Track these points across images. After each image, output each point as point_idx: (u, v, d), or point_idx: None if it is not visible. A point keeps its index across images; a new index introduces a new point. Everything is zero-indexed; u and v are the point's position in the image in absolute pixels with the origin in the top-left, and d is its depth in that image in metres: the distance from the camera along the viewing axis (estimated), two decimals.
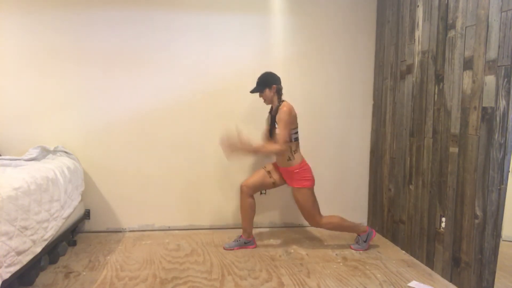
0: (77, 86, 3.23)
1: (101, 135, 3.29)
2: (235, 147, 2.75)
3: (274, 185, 3.01)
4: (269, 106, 3.00)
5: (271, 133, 2.94)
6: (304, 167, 2.87)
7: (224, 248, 2.99)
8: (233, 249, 2.98)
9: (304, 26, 3.43)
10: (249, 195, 2.97)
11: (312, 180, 2.91)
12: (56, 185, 2.56)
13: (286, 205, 3.58)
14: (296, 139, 2.88)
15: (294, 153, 2.85)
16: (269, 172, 2.99)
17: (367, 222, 3.67)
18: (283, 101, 2.86)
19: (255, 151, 2.82)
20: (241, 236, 3.04)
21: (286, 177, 2.95)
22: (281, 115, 2.76)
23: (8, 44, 3.15)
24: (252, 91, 2.90)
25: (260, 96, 2.92)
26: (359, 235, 3.04)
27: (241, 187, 2.98)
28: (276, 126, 2.83)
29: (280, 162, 2.92)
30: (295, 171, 2.85)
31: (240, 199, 3.01)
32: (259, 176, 2.99)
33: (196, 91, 3.37)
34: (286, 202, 3.57)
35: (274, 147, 2.75)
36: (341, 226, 2.98)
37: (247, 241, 3.03)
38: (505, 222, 2.14)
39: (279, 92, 2.89)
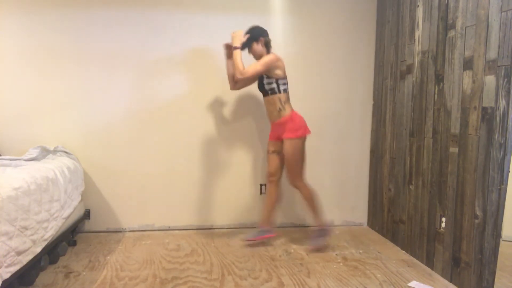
0: (77, 86, 3.24)
1: (101, 135, 3.29)
2: (236, 40, 2.81)
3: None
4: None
5: (260, 86, 2.96)
6: (294, 118, 2.87)
7: (247, 240, 3.07)
8: (255, 239, 3.05)
9: (304, 26, 3.43)
10: (275, 183, 3.04)
11: (304, 130, 2.88)
12: (56, 185, 2.56)
13: (286, 205, 3.58)
14: (286, 91, 2.89)
15: (285, 104, 2.88)
16: (273, 151, 3.03)
17: (367, 222, 3.67)
18: (272, 53, 2.87)
19: (236, 51, 2.78)
20: (261, 225, 3.10)
21: (280, 133, 2.94)
22: (264, 58, 2.79)
23: (8, 44, 3.15)
24: (242, 48, 2.85)
25: (249, 52, 2.93)
26: (317, 229, 3.05)
27: (267, 178, 3.08)
28: (265, 77, 2.86)
29: (273, 116, 2.94)
30: (286, 121, 2.86)
31: (267, 189, 3.10)
32: (271, 161, 3.04)
33: (196, 90, 3.37)
34: (286, 202, 3.57)
35: (241, 66, 2.74)
36: (312, 201, 2.96)
37: (265, 230, 3.08)
38: (505, 222, 2.14)
39: (267, 44, 2.90)
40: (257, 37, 2.87)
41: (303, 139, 2.89)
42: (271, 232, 3.09)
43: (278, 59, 2.82)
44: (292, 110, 2.91)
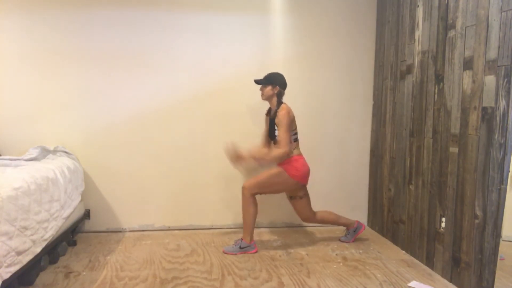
0: (77, 86, 3.24)
1: (101, 135, 3.29)
2: (239, 158, 2.89)
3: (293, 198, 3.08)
4: (267, 106, 3.02)
5: (270, 134, 2.97)
6: (300, 159, 2.88)
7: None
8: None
9: (304, 26, 3.43)
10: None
11: (302, 177, 2.86)
12: (56, 185, 2.56)
13: (286, 205, 3.57)
14: (296, 140, 2.92)
15: (293, 150, 2.90)
16: (291, 197, 3.07)
17: (367, 222, 3.67)
18: (282, 103, 2.89)
19: (259, 159, 2.84)
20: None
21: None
22: (280, 118, 2.80)
23: (8, 44, 3.15)
24: (256, 81, 2.93)
25: (261, 89, 2.95)
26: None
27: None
28: (276, 128, 2.87)
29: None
30: (291, 160, 2.86)
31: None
32: (295, 206, 3.09)
33: (196, 91, 3.37)
34: (286, 202, 3.56)
35: (278, 151, 2.79)
36: (251, 219, 2.86)
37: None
38: (505, 222, 2.14)
39: (280, 95, 2.91)
40: (275, 83, 2.89)
41: (291, 180, 2.84)
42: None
43: (289, 113, 2.81)
44: (299, 154, 2.92)
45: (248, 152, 2.89)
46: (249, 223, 2.89)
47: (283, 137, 2.78)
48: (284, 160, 2.88)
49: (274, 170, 2.87)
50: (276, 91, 2.89)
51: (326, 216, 3.09)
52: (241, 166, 2.86)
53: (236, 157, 2.91)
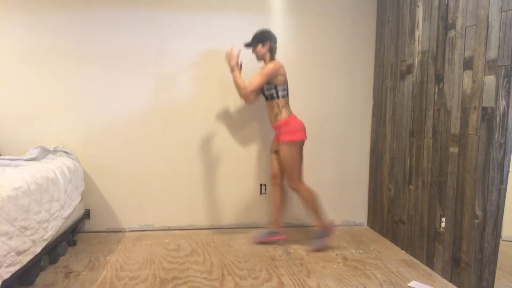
0: (77, 86, 3.24)
1: (101, 135, 3.29)
2: (230, 59, 2.88)
3: None
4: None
5: (262, 91, 2.98)
6: (290, 121, 2.88)
7: (255, 240, 3.10)
8: (263, 239, 3.08)
9: (304, 26, 3.43)
10: (278, 185, 3.06)
11: (299, 134, 2.88)
12: (56, 185, 2.56)
13: (286, 205, 3.57)
14: (284, 96, 2.91)
15: (282, 108, 2.89)
16: (275, 151, 3.04)
17: (367, 222, 3.67)
18: (275, 59, 2.89)
19: (234, 72, 2.85)
20: (270, 227, 3.13)
21: (277, 135, 2.97)
22: (265, 68, 2.83)
23: (8, 44, 3.15)
24: (246, 44, 2.94)
25: (253, 51, 2.96)
26: (315, 230, 3.05)
27: (270, 180, 3.14)
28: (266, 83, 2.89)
29: (271, 120, 2.99)
30: (282, 125, 2.88)
31: (271, 192, 3.14)
32: (273, 161, 3.07)
33: (197, 91, 3.37)
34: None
35: (241, 84, 2.81)
36: (310, 203, 2.95)
37: (273, 232, 3.10)
38: (505, 222, 2.15)
39: (272, 50, 2.92)
40: (263, 40, 2.89)
41: (298, 143, 2.88)
42: (279, 234, 3.11)
43: (279, 67, 2.84)
44: (289, 114, 2.92)
45: (238, 69, 2.89)
46: (318, 208, 2.98)
47: (253, 79, 2.78)
48: (281, 128, 2.87)
49: (284, 149, 2.87)
50: (267, 47, 2.90)
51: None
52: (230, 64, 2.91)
53: (234, 64, 2.87)
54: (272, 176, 3.08)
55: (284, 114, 2.89)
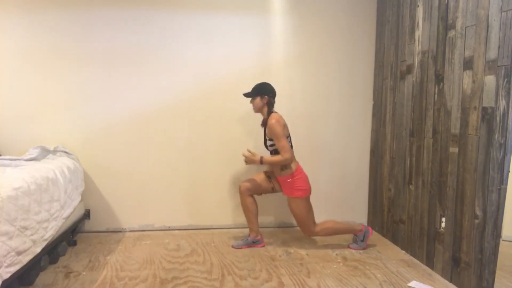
0: (77, 86, 3.24)
1: (101, 135, 3.29)
2: (251, 160, 2.86)
3: (273, 190, 3.05)
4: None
5: (264, 144, 2.99)
6: (298, 176, 2.87)
7: (232, 246, 3.02)
8: (241, 248, 3.00)
9: (304, 26, 3.43)
10: (248, 194, 2.99)
11: (306, 190, 2.89)
12: (56, 185, 2.56)
13: (286, 205, 3.57)
14: (290, 147, 2.89)
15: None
16: (269, 178, 3.03)
17: (367, 222, 3.67)
18: (272, 112, 2.88)
19: (263, 162, 2.85)
20: (249, 235, 3.05)
21: (281, 185, 2.97)
22: (271, 128, 2.79)
23: (8, 44, 3.15)
24: (245, 94, 2.95)
25: (251, 102, 2.95)
26: (356, 235, 3.04)
27: (240, 186, 3.02)
28: (267, 138, 2.89)
29: (275, 171, 2.95)
30: (288, 180, 2.87)
31: (240, 199, 3.03)
32: (259, 179, 3.04)
33: (197, 91, 3.37)
34: (286, 202, 3.56)
35: (277, 158, 2.80)
36: (336, 229, 2.98)
37: (255, 240, 3.04)
38: (505, 222, 2.14)
39: (270, 104, 2.91)
40: (262, 93, 2.88)
41: (305, 198, 2.90)
42: (259, 243, 3.05)
43: (279, 121, 2.79)
44: (296, 168, 2.88)
45: (261, 158, 2.85)
46: (342, 227, 2.99)
47: (281, 145, 2.77)
48: (289, 183, 2.86)
49: (295, 205, 2.88)
50: (265, 101, 2.89)
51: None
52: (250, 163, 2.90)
53: (258, 160, 2.85)
54: (246, 187, 2.99)
55: (290, 168, 2.86)
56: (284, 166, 2.85)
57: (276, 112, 2.90)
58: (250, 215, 3.01)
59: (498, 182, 2.09)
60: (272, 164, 2.90)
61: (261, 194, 3.09)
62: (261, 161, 2.83)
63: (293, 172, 2.85)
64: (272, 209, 3.55)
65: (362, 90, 3.56)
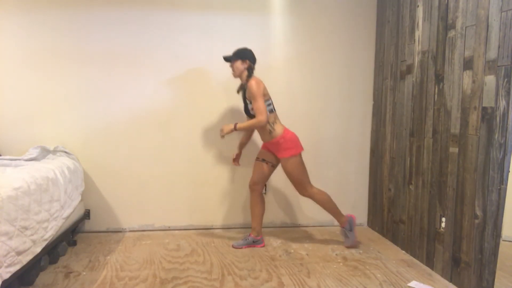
0: (77, 86, 3.23)
1: (101, 135, 3.29)
2: (226, 129, 2.88)
3: (274, 166, 3.04)
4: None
5: (245, 110, 2.99)
6: (287, 136, 2.87)
7: (233, 246, 3.02)
8: (241, 248, 3.00)
9: (304, 26, 3.43)
10: (259, 192, 3.03)
11: (298, 147, 2.90)
12: (56, 185, 2.56)
13: (286, 205, 3.58)
14: (271, 111, 2.89)
15: (274, 125, 2.88)
16: (263, 160, 3.03)
17: (367, 222, 3.67)
18: (253, 76, 2.87)
19: (238, 128, 2.85)
20: (249, 234, 3.06)
21: (274, 151, 2.96)
22: (250, 90, 2.79)
23: (8, 44, 3.14)
24: (225, 57, 2.92)
25: (230, 66, 2.94)
26: (342, 227, 3.04)
27: (250, 186, 3.05)
28: (248, 102, 2.89)
29: (264, 137, 2.96)
30: (279, 141, 2.87)
31: (250, 198, 3.08)
32: (258, 168, 3.04)
33: (196, 91, 3.37)
34: (286, 202, 3.57)
35: (251, 121, 2.81)
36: (328, 203, 2.99)
37: (255, 240, 3.04)
38: (505, 222, 2.14)
39: (250, 69, 2.89)
40: (244, 57, 2.87)
41: (298, 155, 2.90)
42: (260, 243, 3.06)
43: (258, 83, 2.79)
44: (283, 129, 2.89)
45: (233, 125, 2.87)
46: (335, 206, 3.01)
47: (257, 106, 2.76)
48: (278, 145, 2.86)
49: (288, 165, 2.88)
50: (246, 65, 2.87)
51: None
52: (225, 133, 2.91)
53: (230, 128, 2.87)
54: (253, 182, 3.02)
55: (278, 131, 2.87)
56: (271, 129, 2.85)
57: (256, 76, 2.88)
58: (256, 213, 3.03)
59: (498, 182, 2.09)
60: (247, 128, 2.89)
61: (263, 191, 3.07)
62: (235, 127, 2.84)
63: (282, 133, 2.87)
64: (272, 209, 3.55)
65: (362, 90, 3.56)
